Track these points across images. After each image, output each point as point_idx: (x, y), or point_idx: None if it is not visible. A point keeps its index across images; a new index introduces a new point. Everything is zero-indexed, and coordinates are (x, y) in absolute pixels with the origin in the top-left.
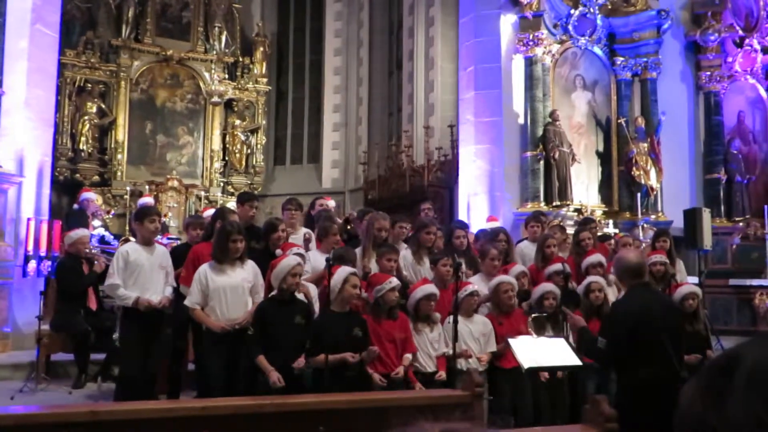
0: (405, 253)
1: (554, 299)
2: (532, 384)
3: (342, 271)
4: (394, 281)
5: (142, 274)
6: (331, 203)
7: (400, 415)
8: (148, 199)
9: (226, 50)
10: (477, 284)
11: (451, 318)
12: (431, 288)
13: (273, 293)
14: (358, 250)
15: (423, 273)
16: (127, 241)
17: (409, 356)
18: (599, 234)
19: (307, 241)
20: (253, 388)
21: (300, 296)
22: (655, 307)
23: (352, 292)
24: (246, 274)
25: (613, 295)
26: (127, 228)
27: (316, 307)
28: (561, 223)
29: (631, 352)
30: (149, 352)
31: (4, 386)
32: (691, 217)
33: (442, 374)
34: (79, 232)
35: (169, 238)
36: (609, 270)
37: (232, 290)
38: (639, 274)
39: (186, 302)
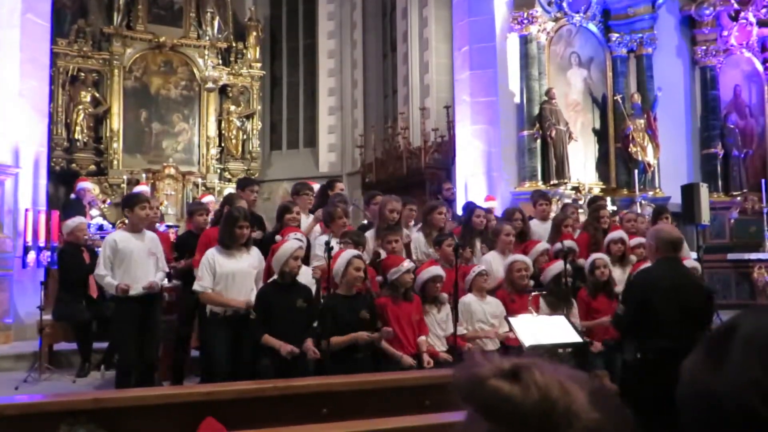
0: (417, 236)
1: (568, 277)
2: None
3: (346, 254)
4: (409, 264)
5: (132, 262)
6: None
7: (405, 395)
8: (143, 188)
9: (219, 36)
10: (492, 261)
11: (461, 299)
12: (437, 270)
13: (274, 277)
14: (368, 234)
15: (435, 256)
16: (123, 225)
17: (423, 338)
18: None
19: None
20: (255, 372)
21: (308, 280)
22: (675, 280)
23: (355, 275)
24: (252, 260)
25: (623, 273)
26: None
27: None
28: (558, 201)
29: (645, 321)
30: (145, 338)
31: (7, 377)
32: (689, 192)
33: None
34: (76, 220)
35: (167, 226)
36: (628, 248)
37: (240, 275)
38: (674, 247)
39: (195, 287)
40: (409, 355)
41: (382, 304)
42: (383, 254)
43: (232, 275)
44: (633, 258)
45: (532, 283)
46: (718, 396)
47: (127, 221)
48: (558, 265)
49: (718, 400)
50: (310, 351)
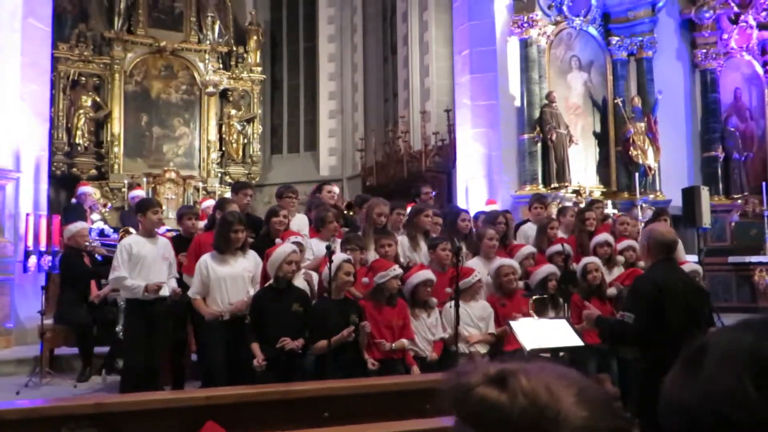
0: (401, 238)
1: (556, 280)
2: None
3: (336, 258)
4: (397, 269)
5: (145, 266)
6: (336, 189)
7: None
8: (140, 192)
9: (220, 40)
10: (476, 266)
11: (450, 303)
12: (428, 274)
13: (269, 282)
14: None
15: (419, 258)
16: (126, 233)
17: (404, 341)
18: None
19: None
20: (255, 376)
21: (302, 284)
22: (679, 283)
23: (345, 280)
24: (247, 263)
25: (609, 275)
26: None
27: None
28: (560, 205)
29: (654, 328)
30: (152, 343)
31: (9, 381)
32: (690, 195)
33: (434, 355)
34: (77, 225)
35: (167, 230)
36: (615, 251)
37: (232, 280)
38: (670, 249)
39: (189, 293)
40: (386, 360)
41: (362, 306)
42: (370, 258)
43: (225, 280)
44: (621, 259)
45: (521, 284)
46: (693, 408)
47: (131, 229)
48: (545, 269)
49: (693, 411)
50: (293, 345)
